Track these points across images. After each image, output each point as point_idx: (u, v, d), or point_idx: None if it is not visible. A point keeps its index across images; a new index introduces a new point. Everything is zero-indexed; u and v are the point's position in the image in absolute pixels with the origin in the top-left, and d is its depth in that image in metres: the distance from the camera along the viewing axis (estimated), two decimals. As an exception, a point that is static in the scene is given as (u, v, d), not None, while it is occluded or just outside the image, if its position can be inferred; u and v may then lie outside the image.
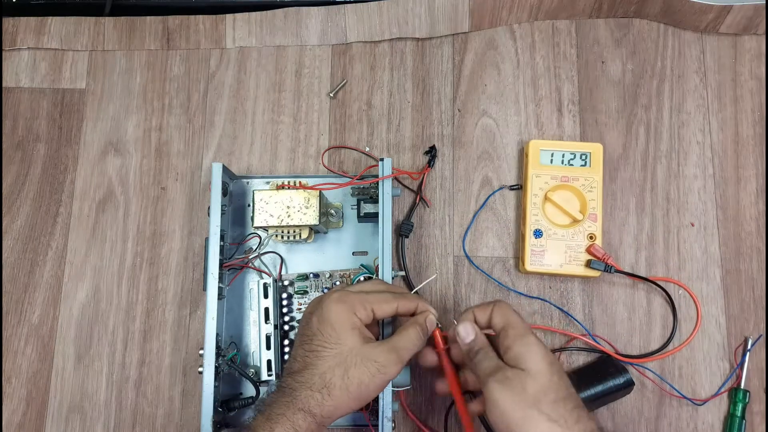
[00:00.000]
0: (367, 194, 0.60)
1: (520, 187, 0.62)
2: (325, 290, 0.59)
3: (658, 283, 0.59)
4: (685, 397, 0.57)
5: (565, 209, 0.59)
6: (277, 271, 0.60)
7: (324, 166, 0.64)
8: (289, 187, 0.57)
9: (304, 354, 0.45)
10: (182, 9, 0.68)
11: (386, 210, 0.54)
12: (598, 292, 0.60)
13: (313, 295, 0.59)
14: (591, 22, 0.66)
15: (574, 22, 0.66)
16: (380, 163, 0.56)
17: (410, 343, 0.47)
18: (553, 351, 0.58)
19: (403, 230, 0.60)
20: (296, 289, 0.59)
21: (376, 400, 0.51)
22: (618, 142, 0.63)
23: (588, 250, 0.58)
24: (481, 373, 0.45)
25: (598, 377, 0.56)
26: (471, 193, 0.63)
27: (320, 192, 0.56)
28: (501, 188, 0.63)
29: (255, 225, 0.56)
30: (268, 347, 0.57)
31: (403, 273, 0.60)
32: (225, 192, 0.58)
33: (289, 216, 0.56)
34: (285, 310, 0.59)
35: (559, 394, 0.43)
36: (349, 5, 0.66)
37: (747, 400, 0.57)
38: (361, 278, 0.58)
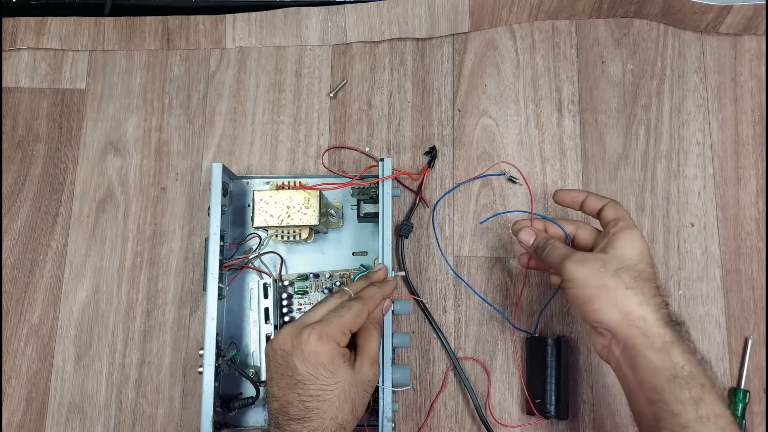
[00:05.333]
0: (367, 194, 0.60)
1: (517, 181, 0.63)
2: (326, 291, 0.59)
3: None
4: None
5: None
6: (277, 271, 0.60)
7: (324, 166, 0.64)
8: (289, 187, 0.57)
9: (302, 399, 0.43)
10: (182, 9, 0.68)
11: (386, 210, 0.54)
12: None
13: (314, 295, 0.59)
14: (591, 22, 0.66)
15: (574, 22, 0.66)
16: (380, 163, 0.56)
17: (378, 344, 0.48)
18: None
19: (402, 231, 0.60)
20: (296, 290, 0.59)
21: (376, 400, 0.51)
22: (618, 142, 0.63)
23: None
24: (554, 262, 0.48)
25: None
26: (471, 193, 0.63)
27: (320, 192, 0.56)
28: (503, 173, 0.63)
29: (255, 225, 0.56)
30: (268, 347, 0.57)
31: (402, 273, 0.60)
32: (225, 192, 0.58)
33: (289, 216, 0.56)
34: (285, 310, 0.59)
35: (642, 275, 0.45)
36: (349, 5, 0.66)
37: (747, 400, 0.57)
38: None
